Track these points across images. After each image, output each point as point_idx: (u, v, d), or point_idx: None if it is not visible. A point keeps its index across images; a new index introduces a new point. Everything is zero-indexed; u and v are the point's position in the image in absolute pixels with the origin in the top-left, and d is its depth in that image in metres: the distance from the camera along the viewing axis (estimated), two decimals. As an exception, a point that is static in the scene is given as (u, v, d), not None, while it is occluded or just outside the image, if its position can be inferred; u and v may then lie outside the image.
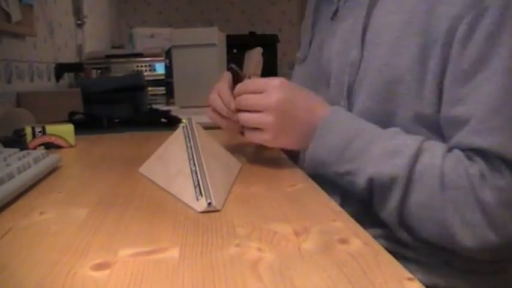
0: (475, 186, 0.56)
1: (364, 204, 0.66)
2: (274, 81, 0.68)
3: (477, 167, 0.58)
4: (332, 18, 0.77)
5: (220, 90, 0.77)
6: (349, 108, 0.70)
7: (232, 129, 0.78)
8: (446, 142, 0.62)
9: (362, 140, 0.63)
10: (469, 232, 0.56)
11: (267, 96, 0.67)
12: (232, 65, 0.79)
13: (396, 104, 0.65)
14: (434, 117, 0.63)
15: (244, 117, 0.69)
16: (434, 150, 0.60)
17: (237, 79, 0.77)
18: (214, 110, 0.78)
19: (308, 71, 0.85)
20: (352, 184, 0.64)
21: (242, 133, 0.74)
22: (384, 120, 0.65)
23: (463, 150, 0.60)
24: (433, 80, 0.61)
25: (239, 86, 0.72)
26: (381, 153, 0.61)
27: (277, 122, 0.66)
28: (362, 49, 0.68)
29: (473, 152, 0.59)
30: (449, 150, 0.61)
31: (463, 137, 0.59)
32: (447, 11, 0.60)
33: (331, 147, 0.65)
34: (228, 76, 0.79)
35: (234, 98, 0.72)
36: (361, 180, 0.62)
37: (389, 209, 0.61)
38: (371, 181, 0.61)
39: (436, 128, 0.63)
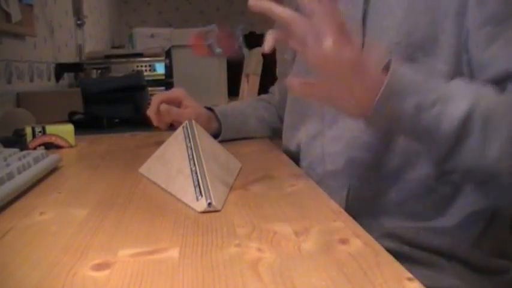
0: None
1: (370, 201, 0.65)
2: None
3: None
4: None
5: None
6: None
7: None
8: None
9: (439, 81, 0.58)
10: None
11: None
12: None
13: None
14: None
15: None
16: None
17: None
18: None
19: (297, 70, 0.81)
20: (440, 120, 0.54)
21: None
22: None
23: None
24: (448, 52, 0.62)
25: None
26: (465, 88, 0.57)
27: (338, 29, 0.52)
28: (363, 36, 0.68)
29: None
30: None
31: None
32: None
33: (410, 79, 0.55)
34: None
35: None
36: (457, 111, 0.53)
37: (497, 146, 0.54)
38: (470, 112, 0.53)
39: None
